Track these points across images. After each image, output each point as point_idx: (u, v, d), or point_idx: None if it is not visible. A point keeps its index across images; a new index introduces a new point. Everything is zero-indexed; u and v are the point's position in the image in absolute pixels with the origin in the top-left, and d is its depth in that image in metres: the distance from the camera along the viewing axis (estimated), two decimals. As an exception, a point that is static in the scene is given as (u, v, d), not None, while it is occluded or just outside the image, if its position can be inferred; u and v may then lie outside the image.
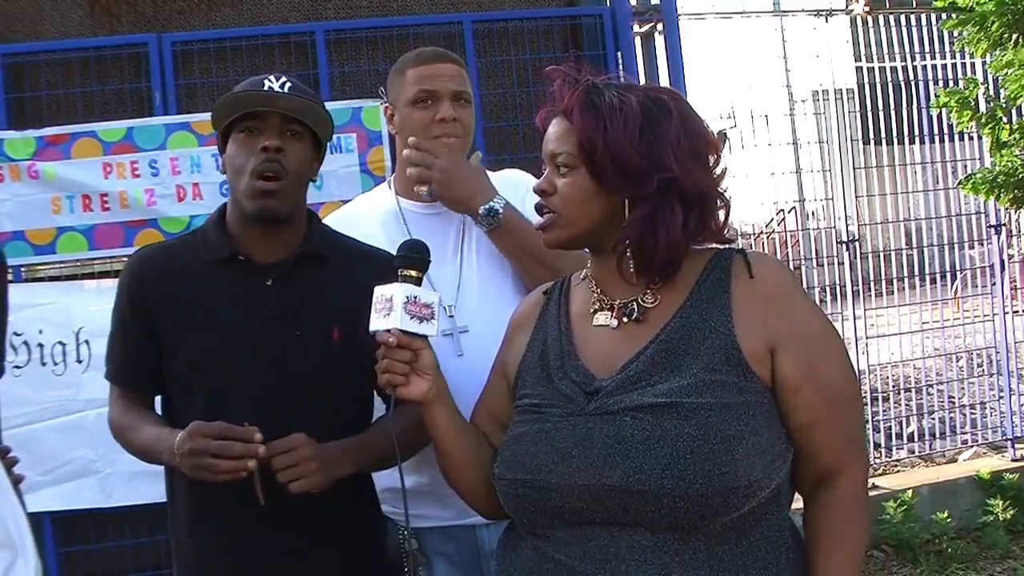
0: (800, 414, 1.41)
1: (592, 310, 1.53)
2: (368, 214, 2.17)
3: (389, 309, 1.49)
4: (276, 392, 1.74)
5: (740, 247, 1.53)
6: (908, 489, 4.87)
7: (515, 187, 2.10)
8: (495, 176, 2.24)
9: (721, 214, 1.50)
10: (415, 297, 1.50)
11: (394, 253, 1.61)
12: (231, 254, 1.82)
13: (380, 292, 1.52)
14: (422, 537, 2.02)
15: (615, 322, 1.49)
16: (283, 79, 1.82)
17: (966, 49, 4.39)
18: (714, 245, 1.52)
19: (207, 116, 3.58)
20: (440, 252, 2.03)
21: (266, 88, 1.79)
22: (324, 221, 2.22)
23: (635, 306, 1.48)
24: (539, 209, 1.54)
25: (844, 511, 1.44)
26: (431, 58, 2.10)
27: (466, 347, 2.00)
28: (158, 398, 1.91)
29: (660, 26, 4.26)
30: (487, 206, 1.99)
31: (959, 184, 4.61)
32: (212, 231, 1.87)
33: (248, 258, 1.83)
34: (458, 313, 2.03)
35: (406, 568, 2.00)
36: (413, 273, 1.54)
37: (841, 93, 5.78)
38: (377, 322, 1.51)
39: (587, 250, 1.57)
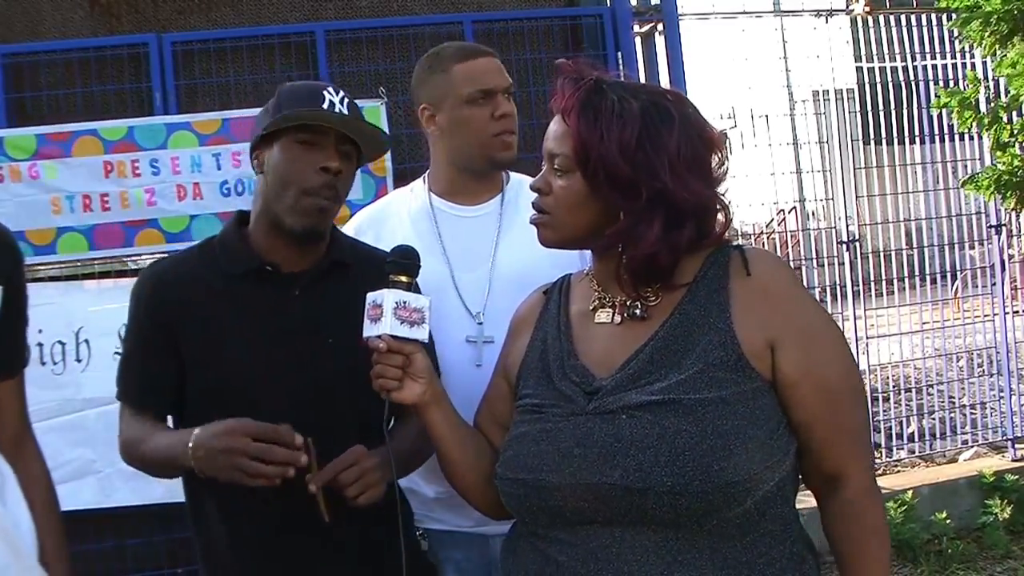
0: (800, 411, 1.41)
1: (592, 308, 1.53)
2: (399, 212, 2.13)
3: (379, 315, 1.50)
4: (309, 403, 1.71)
5: (737, 243, 1.52)
6: (908, 489, 4.86)
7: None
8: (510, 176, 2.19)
9: (720, 218, 1.48)
10: (405, 302, 1.51)
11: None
12: (259, 265, 1.78)
13: (371, 298, 1.52)
14: (433, 540, 2.04)
15: (618, 318, 1.49)
16: (341, 93, 1.76)
17: (967, 48, 4.38)
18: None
19: (208, 116, 3.62)
20: (473, 256, 2.01)
21: (327, 101, 1.72)
22: (355, 217, 2.21)
23: (639, 303, 1.48)
24: (535, 207, 1.53)
25: (855, 518, 1.45)
26: (477, 53, 2.08)
27: (487, 359, 1.89)
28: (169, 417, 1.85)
29: (660, 26, 4.26)
30: None
31: (963, 185, 4.60)
32: (233, 241, 1.81)
33: (275, 268, 1.78)
34: (487, 321, 1.98)
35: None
36: (403, 279, 1.54)
37: (841, 93, 5.77)
38: (368, 328, 1.51)
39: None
